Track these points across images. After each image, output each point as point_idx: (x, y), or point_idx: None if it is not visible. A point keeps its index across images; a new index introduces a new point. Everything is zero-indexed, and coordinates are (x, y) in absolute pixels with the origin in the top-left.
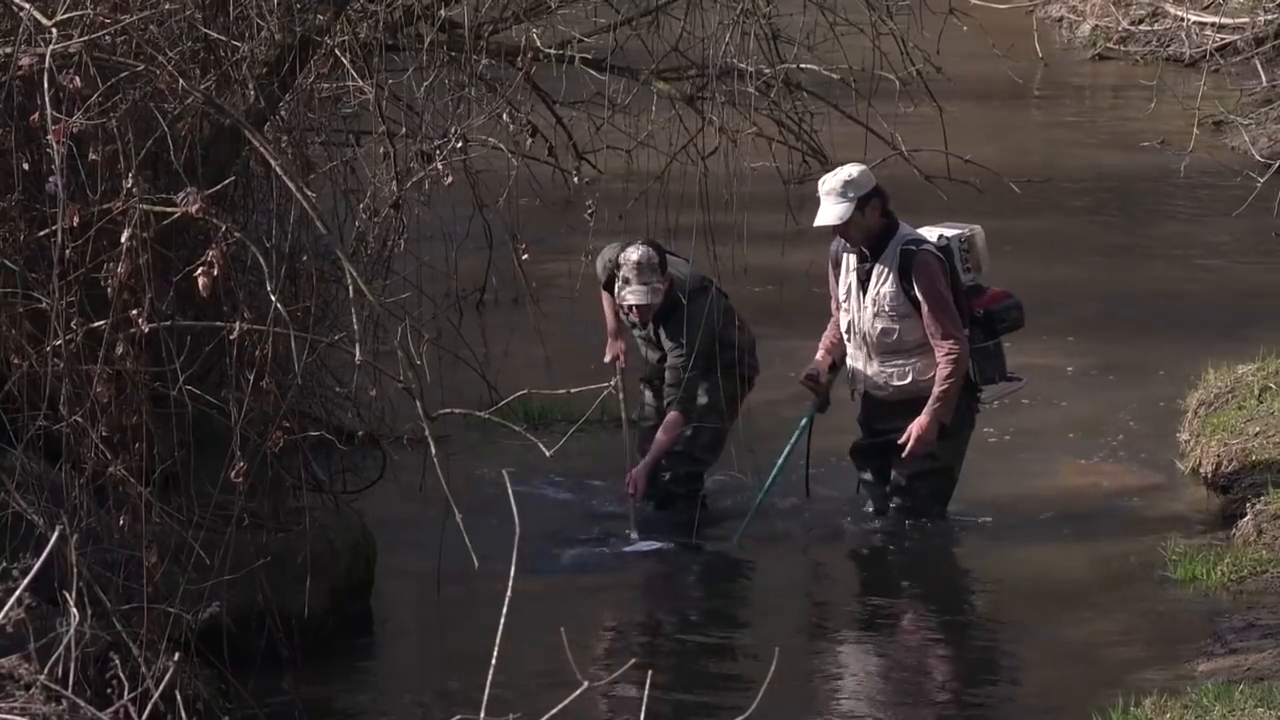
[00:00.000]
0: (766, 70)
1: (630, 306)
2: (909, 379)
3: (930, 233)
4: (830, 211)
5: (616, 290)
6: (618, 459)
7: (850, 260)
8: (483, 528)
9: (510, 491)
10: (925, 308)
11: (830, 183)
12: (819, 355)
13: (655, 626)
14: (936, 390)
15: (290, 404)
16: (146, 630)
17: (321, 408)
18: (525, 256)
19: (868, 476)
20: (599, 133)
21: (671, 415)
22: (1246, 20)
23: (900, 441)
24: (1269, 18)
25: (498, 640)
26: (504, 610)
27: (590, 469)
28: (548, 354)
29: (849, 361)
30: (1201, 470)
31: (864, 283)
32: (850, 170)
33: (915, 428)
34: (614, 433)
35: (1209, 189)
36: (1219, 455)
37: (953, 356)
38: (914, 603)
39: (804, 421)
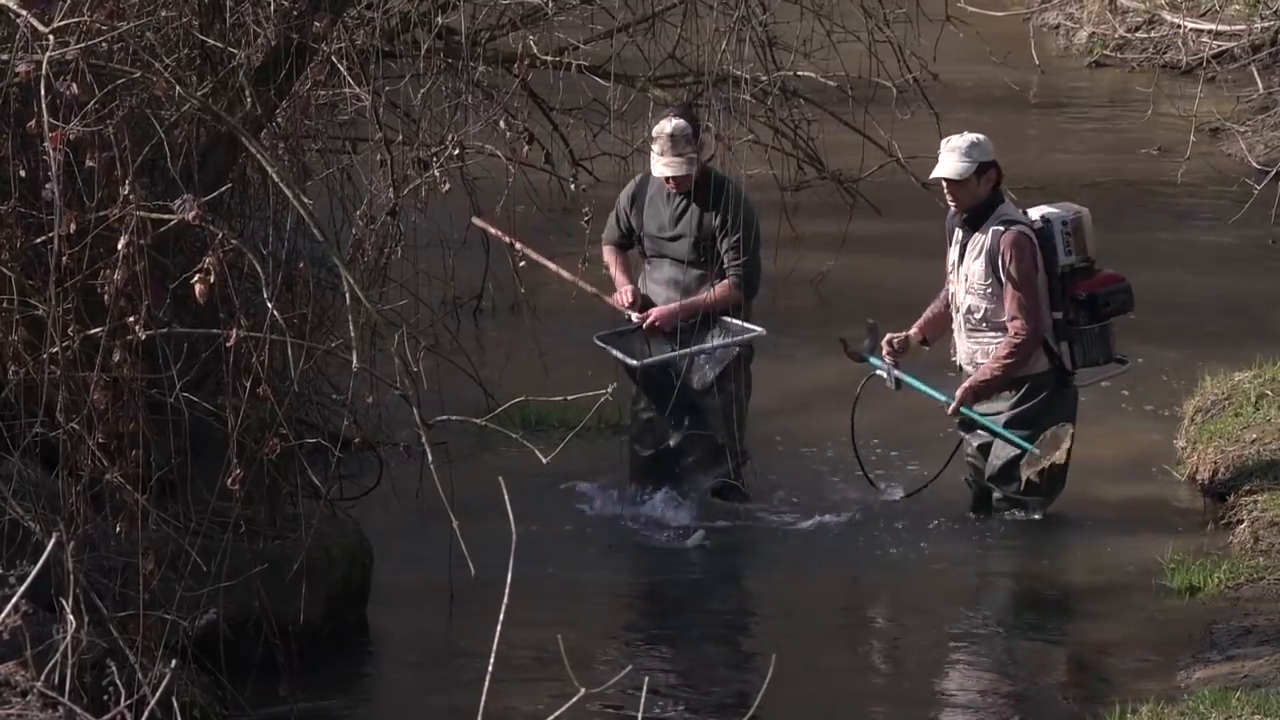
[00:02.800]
0: (763, 77)
1: (668, 178)
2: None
3: (1036, 212)
4: (950, 165)
5: (651, 166)
6: (616, 464)
7: (958, 233)
8: (481, 534)
9: (506, 498)
10: (1006, 287)
11: (956, 141)
12: (912, 330)
13: (654, 632)
14: (989, 365)
15: (287, 411)
16: (143, 637)
17: (318, 415)
18: (522, 264)
19: (971, 453)
20: (595, 140)
21: (726, 283)
22: (1243, 27)
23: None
24: (1265, 25)
25: (494, 646)
26: (500, 616)
27: (588, 475)
28: (544, 360)
29: (954, 333)
30: (1198, 477)
31: (962, 257)
32: (978, 135)
33: (959, 393)
34: (611, 439)
35: (1206, 196)
36: (1216, 462)
37: (1016, 341)
38: (909, 610)
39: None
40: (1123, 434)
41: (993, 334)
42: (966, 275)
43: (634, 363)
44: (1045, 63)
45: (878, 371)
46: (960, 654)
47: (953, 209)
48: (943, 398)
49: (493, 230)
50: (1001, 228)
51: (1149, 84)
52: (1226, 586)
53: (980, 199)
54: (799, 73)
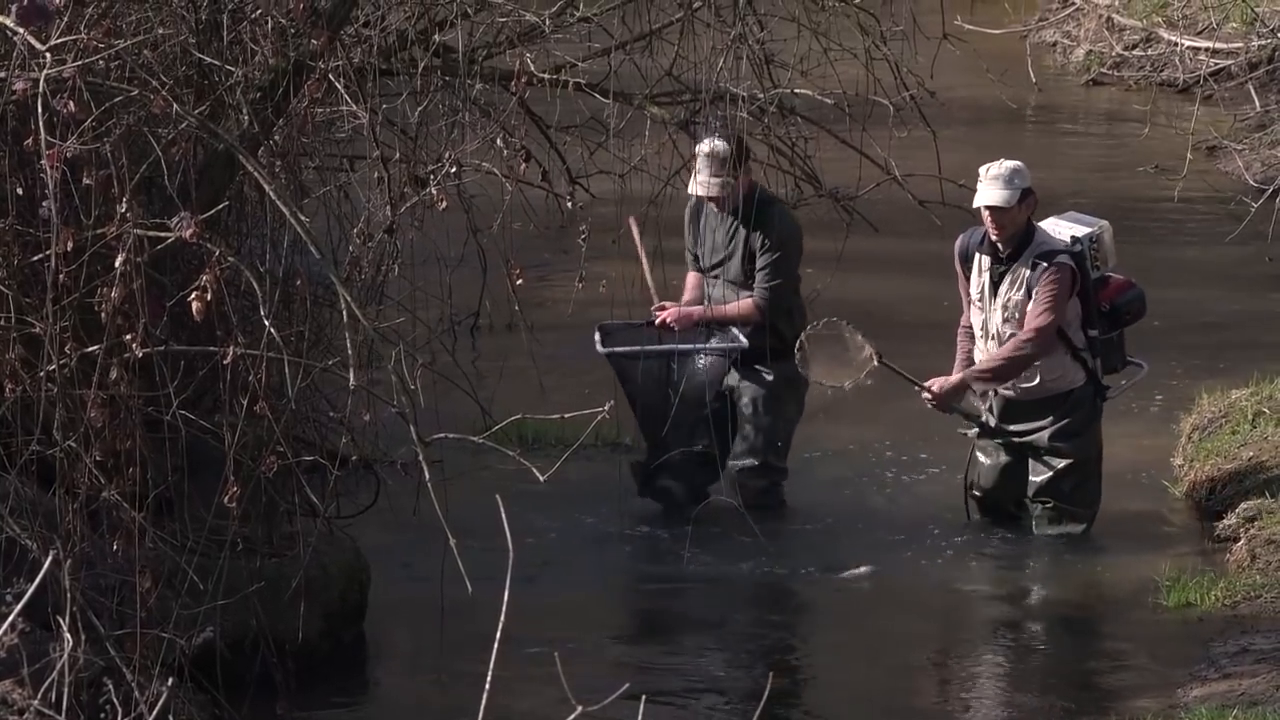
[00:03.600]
0: (760, 95)
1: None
2: (1036, 380)
3: (1055, 227)
4: (995, 194)
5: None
6: (612, 483)
7: (984, 261)
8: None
9: (504, 516)
10: (1033, 303)
11: (996, 169)
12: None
13: (653, 649)
14: (990, 360)
15: (284, 429)
16: (140, 655)
17: (315, 432)
18: (519, 282)
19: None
20: (592, 157)
21: (749, 301)
22: (1240, 45)
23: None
24: (1262, 43)
25: (491, 665)
26: (497, 635)
27: (585, 493)
28: (542, 378)
29: (979, 358)
30: (1195, 495)
31: (996, 285)
32: (1016, 163)
33: (936, 382)
34: (609, 456)
35: (1203, 214)
36: (1213, 480)
37: (1024, 352)
38: (904, 625)
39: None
40: (1120, 451)
41: None
42: (1004, 305)
43: (600, 349)
44: (1042, 80)
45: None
46: (956, 671)
47: (979, 235)
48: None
49: (636, 236)
50: (1045, 262)
51: (1146, 102)
52: (1224, 604)
53: (1020, 228)
54: (796, 90)
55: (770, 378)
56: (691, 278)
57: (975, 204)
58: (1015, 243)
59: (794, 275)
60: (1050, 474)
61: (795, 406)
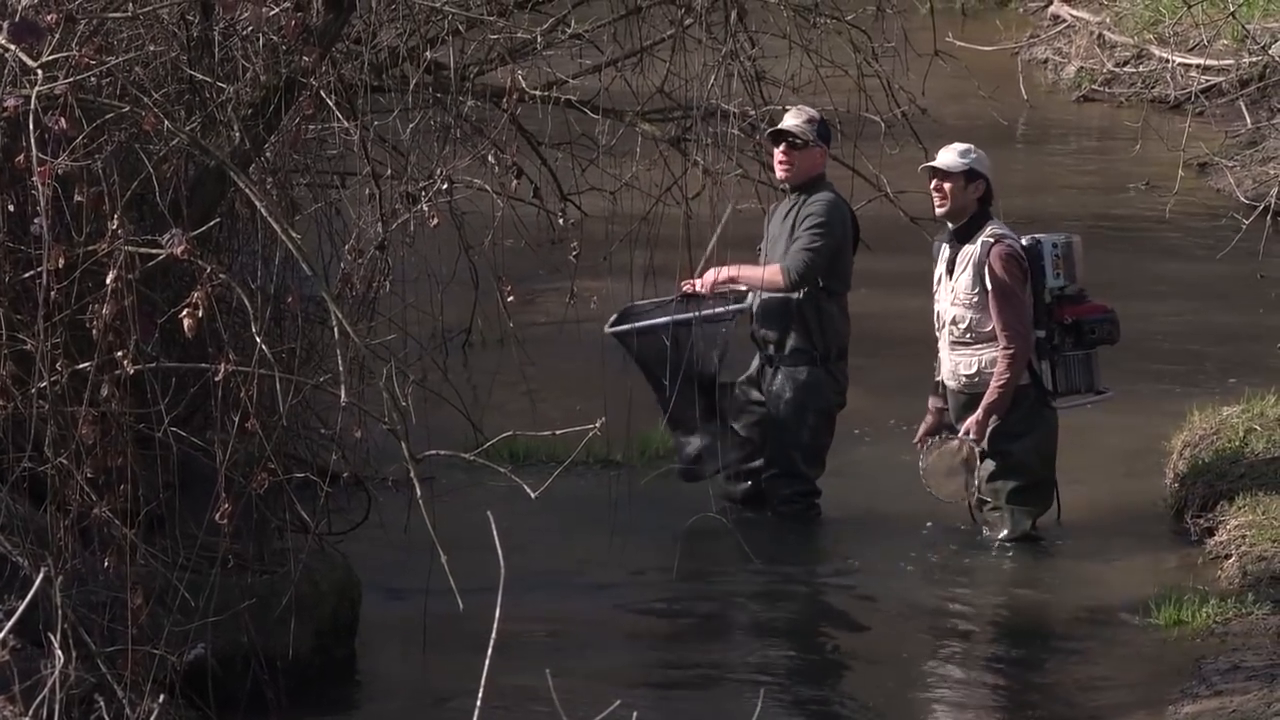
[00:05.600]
0: (751, 112)
1: (777, 151)
2: (974, 369)
3: (1027, 240)
4: (943, 158)
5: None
6: (604, 499)
7: (944, 250)
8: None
9: (495, 533)
10: (991, 297)
11: (956, 145)
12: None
13: (642, 668)
14: (992, 386)
15: (275, 445)
16: (131, 672)
17: (306, 449)
18: (510, 298)
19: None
20: (584, 174)
21: (776, 267)
22: (1231, 62)
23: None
24: (1253, 59)
25: (483, 682)
26: (489, 652)
27: (577, 509)
28: (533, 395)
29: (939, 350)
30: (1186, 512)
31: (949, 270)
32: (978, 149)
33: (971, 423)
34: (600, 473)
35: (1194, 231)
36: (1204, 497)
37: (1010, 352)
38: (892, 642)
39: None
40: (1110, 467)
41: (978, 346)
42: (954, 288)
43: (607, 329)
44: (1033, 97)
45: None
46: (945, 689)
47: (938, 211)
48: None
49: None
50: (992, 240)
51: (1137, 118)
52: (1214, 622)
53: (965, 207)
54: (787, 107)
55: (794, 382)
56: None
57: (923, 166)
58: (965, 228)
59: (833, 262)
60: (992, 475)
61: (821, 415)
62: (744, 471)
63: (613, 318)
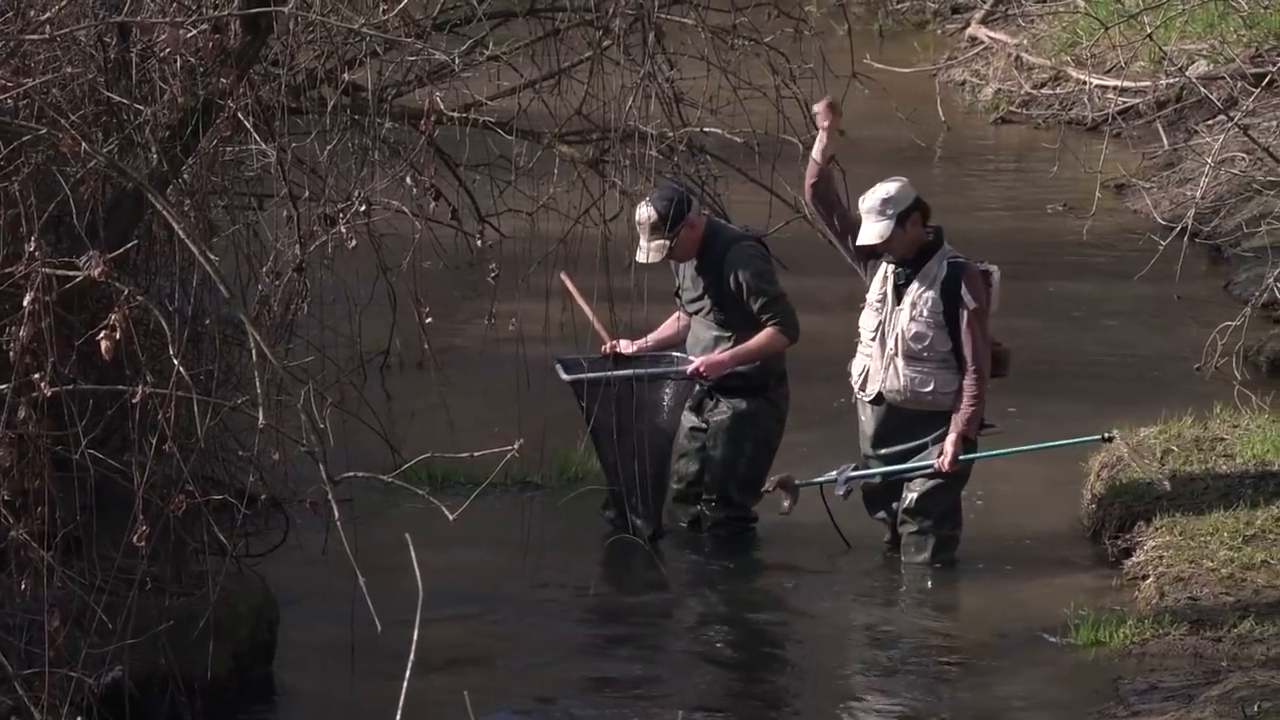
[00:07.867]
0: (669, 134)
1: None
2: (930, 387)
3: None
4: (871, 230)
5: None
6: (520, 521)
7: (889, 268)
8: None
9: (413, 555)
10: (966, 319)
11: (869, 200)
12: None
13: (560, 685)
14: (965, 408)
15: (193, 468)
16: (48, 695)
17: (224, 471)
18: (429, 320)
19: (877, 484)
20: (502, 196)
21: (769, 330)
22: (1148, 84)
23: (935, 464)
24: (1170, 81)
25: (400, 701)
26: (407, 672)
27: (495, 531)
28: (451, 417)
29: (863, 363)
30: (1104, 533)
31: (900, 288)
32: (888, 187)
33: (948, 445)
34: (517, 495)
35: (1112, 252)
36: (1121, 518)
37: (978, 373)
38: (812, 662)
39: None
40: (1028, 488)
41: (933, 364)
42: (914, 304)
43: (564, 376)
44: (951, 119)
45: (827, 482)
46: (863, 709)
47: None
48: (927, 464)
49: (572, 288)
50: (961, 259)
51: (1055, 140)
52: (1132, 642)
53: (914, 242)
54: (705, 129)
55: (735, 411)
56: (672, 317)
57: (857, 243)
58: (919, 254)
59: (783, 296)
60: (921, 493)
61: (758, 445)
62: (688, 494)
63: (559, 367)
